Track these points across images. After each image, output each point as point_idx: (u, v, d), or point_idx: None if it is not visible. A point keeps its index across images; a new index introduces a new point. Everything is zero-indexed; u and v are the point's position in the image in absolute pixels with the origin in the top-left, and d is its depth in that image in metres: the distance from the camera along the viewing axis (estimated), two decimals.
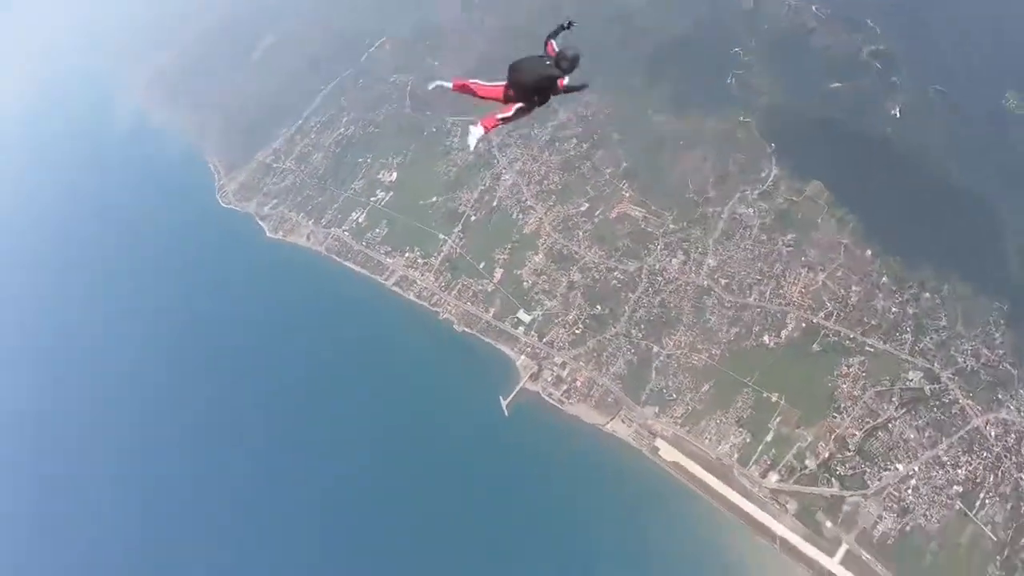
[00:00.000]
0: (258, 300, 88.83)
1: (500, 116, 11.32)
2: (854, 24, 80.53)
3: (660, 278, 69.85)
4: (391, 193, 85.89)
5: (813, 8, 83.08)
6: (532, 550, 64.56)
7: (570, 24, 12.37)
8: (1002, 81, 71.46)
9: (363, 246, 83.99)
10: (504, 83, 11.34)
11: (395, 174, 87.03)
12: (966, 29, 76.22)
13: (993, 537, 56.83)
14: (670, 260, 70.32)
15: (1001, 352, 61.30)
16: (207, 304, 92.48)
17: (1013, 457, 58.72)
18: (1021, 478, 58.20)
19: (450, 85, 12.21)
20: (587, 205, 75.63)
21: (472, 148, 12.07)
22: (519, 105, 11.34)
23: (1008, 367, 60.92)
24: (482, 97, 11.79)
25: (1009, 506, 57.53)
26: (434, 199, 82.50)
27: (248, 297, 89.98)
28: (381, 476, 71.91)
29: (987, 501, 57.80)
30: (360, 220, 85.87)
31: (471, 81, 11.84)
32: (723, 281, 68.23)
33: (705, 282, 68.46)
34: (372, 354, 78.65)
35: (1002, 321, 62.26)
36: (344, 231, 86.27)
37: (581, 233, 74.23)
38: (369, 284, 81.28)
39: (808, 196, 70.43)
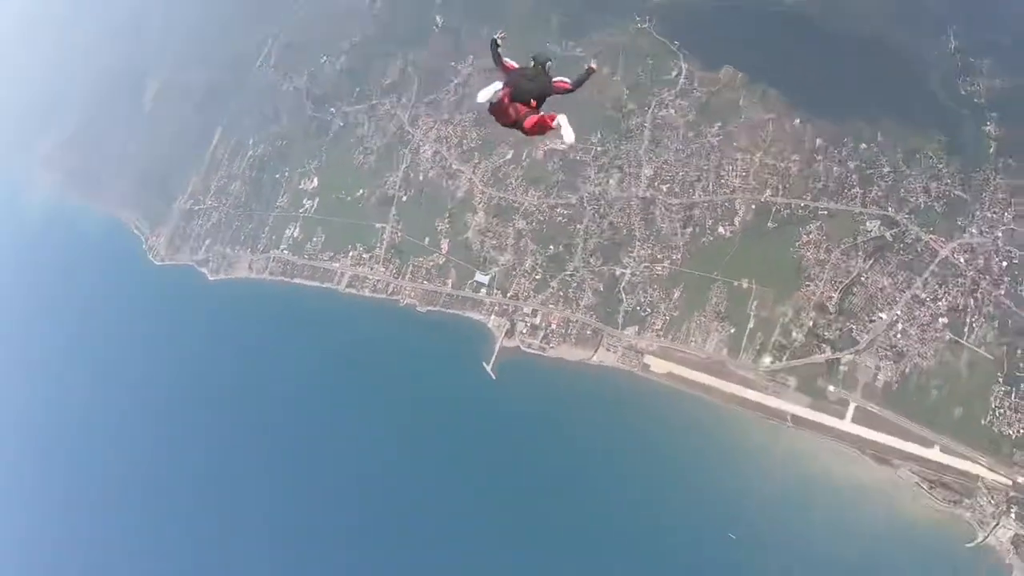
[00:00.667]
0: (222, 343, 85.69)
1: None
2: None
3: (602, 202, 68.19)
4: (317, 199, 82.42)
5: None
6: (566, 490, 63.93)
7: (497, 42, 12.57)
8: None
9: (306, 259, 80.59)
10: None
11: (316, 179, 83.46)
12: None
13: (989, 356, 57.46)
14: (607, 182, 68.60)
15: (948, 181, 61.37)
16: (175, 364, 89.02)
17: (987, 276, 59.13)
18: (1000, 295, 58.62)
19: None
20: (511, 152, 73.31)
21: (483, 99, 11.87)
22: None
23: (959, 193, 61.01)
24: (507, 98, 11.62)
25: (996, 324, 58.02)
26: (361, 191, 79.35)
27: (212, 343, 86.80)
28: (406, 467, 70.53)
29: (974, 325, 58.20)
30: (295, 235, 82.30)
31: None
32: (664, 187, 66.85)
33: (647, 193, 67.00)
34: (351, 358, 76.17)
35: (942, 151, 62.23)
36: (283, 250, 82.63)
37: (514, 181, 72.08)
38: (323, 294, 78.26)
39: (723, 83, 69.21)
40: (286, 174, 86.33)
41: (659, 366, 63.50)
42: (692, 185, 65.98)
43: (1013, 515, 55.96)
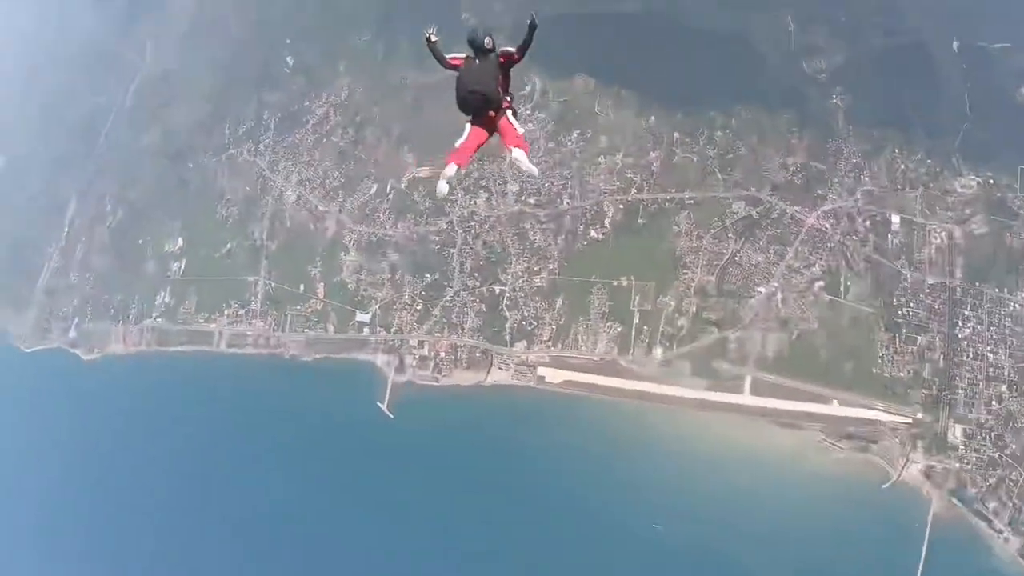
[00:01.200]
0: (104, 424, 78.19)
1: (460, 143, 9.78)
2: None
3: (473, 222, 66.87)
4: (184, 260, 77.29)
5: None
6: (479, 512, 62.03)
7: (431, 38, 10.05)
8: None
9: (181, 324, 75.15)
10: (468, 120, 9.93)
11: (180, 239, 78.33)
12: None
13: (869, 309, 60.32)
14: (475, 202, 67.41)
15: (804, 154, 64.05)
16: (54, 452, 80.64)
17: (853, 236, 61.99)
18: (868, 251, 61.70)
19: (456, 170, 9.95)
20: (375, 186, 71.19)
21: (444, 192, 10.19)
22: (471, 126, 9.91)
23: (816, 164, 63.82)
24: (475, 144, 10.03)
25: (869, 278, 61.01)
26: (228, 246, 74.94)
27: (94, 426, 78.92)
28: (311, 521, 66.37)
29: (849, 283, 60.95)
30: (167, 300, 76.82)
31: (462, 145, 9.97)
32: (532, 200, 66.38)
33: (516, 207, 66.19)
34: (241, 420, 71.03)
35: (794, 127, 64.87)
36: (156, 318, 76.92)
37: (382, 215, 69.85)
38: (204, 358, 72.96)
39: (578, 91, 69.78)
40: (149, 238, 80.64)
41: (554, 376, 62.36)
42: (559, 194, 65.79)
43: (919, 449, 58.23)
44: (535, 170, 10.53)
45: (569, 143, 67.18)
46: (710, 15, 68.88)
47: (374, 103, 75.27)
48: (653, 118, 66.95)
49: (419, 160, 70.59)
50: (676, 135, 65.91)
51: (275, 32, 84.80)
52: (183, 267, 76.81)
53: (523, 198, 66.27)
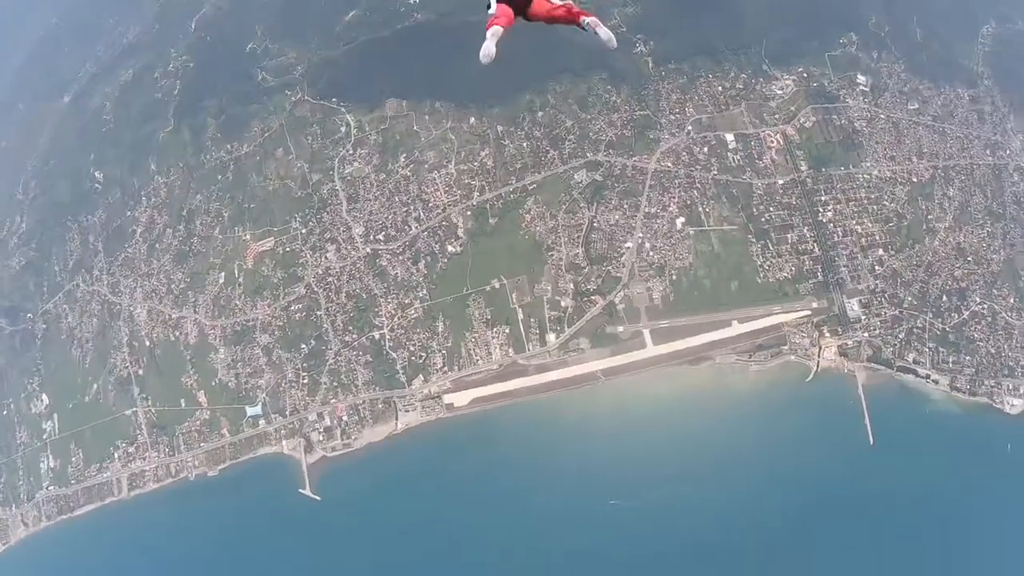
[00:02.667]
0: None
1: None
2: None
3: (329, 278, 63.28)
4: (55, 415, 69.93)
5: None
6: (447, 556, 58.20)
7: None
8: None
9: (75, 484, 67.83)
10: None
11: (44, 396, 70.97)
12: None
13: (733, 227, 60.93)
14: (325, 256, 63.75)
15: (627, 107, 64.37)
16: None
17: (696, 166, 62.49)
18: (714, 175, 62.19)
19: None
20: (222, 274, 66.51)
21: (492, 54, 8.50)
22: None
23: (640, 113, 64.22)
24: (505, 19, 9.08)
25: (724, 199, 61.62)
26: (95, 386, 68.35)
27: None
28: None
29: (707, 210, 61.34)
30: (52, 464, 69.28)
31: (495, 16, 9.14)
32: (380, 236, 63.33)
33: (367, 249, 62.96)
34: (174, 564, 63.98)
35: (610, 86, 65.08)
36: (48, 487, 69.24)
37: (238, 301, 65.22)
38: (112, 511, 66.04)
39: (392, 116, 67.55)
40: (12, 404, 72.67)
41: (460, 399, 59.70)
42: (405, 222, 63.03)
43: (826, 334, 59.24)
44: (613, 38, 8.63)
45: (399, 169, 64.73)
46: (480, 9, 66.87)
47: (196, 191, 70.67)
48: (473, 119, 65.75)
49: (257, 234, 66.09)
50: (500, 128, 64.87)
51: (75, 152, 78.85)
52: (56, 424, 69.51)
53: (371, 238, 62.95)
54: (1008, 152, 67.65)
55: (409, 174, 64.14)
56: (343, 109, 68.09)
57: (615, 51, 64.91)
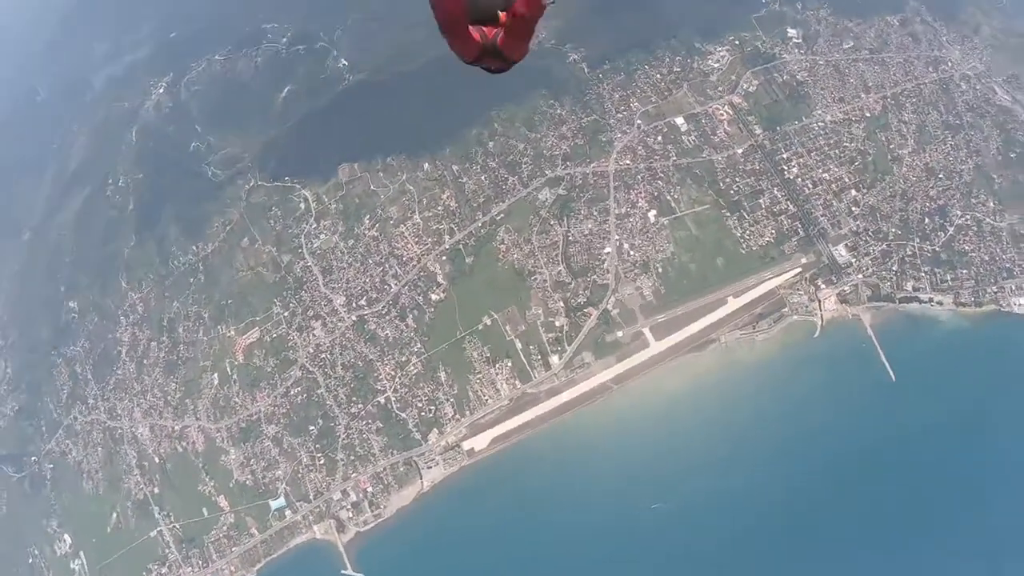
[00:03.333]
0: None
1: None
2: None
3: (323, 355, 62.12)
4: (81, 553, 68.06)
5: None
6: None
7: None
8: None
9: None
10: None
11: (66, 536, 69.11)
12: None
13: (705, 206, 60.61)
14: (312, 334, 62.73)
15: (573, 117, 64.20)
16: None
17: (655, 158, 62.00)
18: (673, 161, 61.79)
19: None
20: (216, 375, 65.30)
21: None
22: None
23: (588, 120, 63.99)
24: None
25: (689, 181, 61.40)
26: (114, 515, 66.70)
27: None
28: None
29: (676, 197, 60.87)
30: None
31: None
32: (363, 302, 62.37)
33: (352, 318, 61.90)
34: None
35: (552, 100, 65.23)
36: None
37: (236, 399, 63.97)
38: None
39: (347, 180, 66.86)
40: (35, 551, 70.65)
41: (480, 442, 58.48)
42: (382, 281, 62.17)
43: (822, 286, 58.70)
44: None
45: (365, 231, 63.99)
46: (413, 55, 67.62)
47: (171, 299, 69.59)
48: (427, 165, 65.19)
49: (241, 328, 65.23)
50: (455, 168, 64.34)
51: (44, 286, 77.78)
52: (84, 562, 67.61)
53: (354, 305, 61.96)
54: (950, 64, 67.83)
55: (377, 234, 63.27)
56: (298, 186, 67.41)
57: (551, 64, 65.16)
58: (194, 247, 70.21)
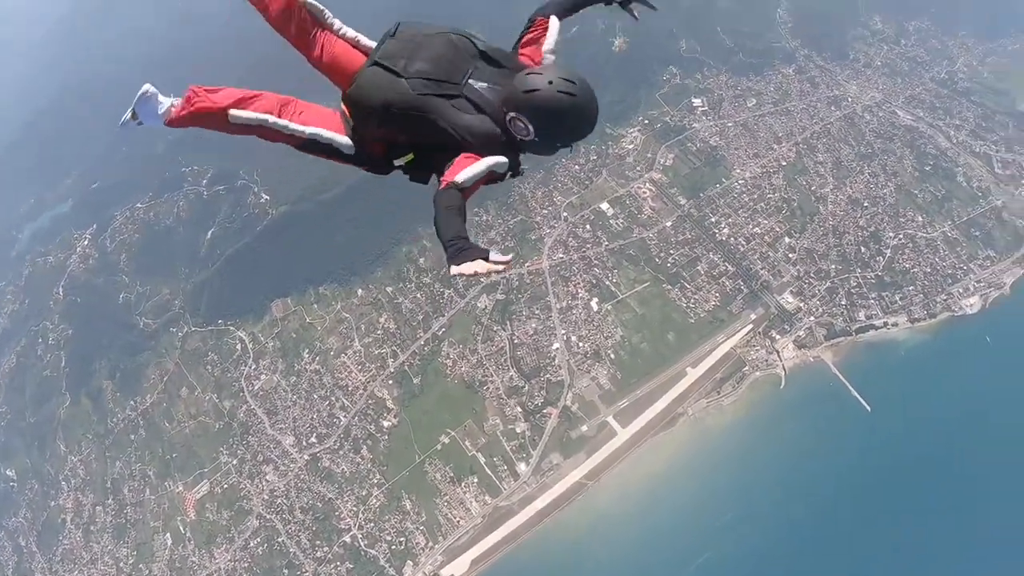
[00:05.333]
0: None
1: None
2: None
3: (279, 501, 57.86)
4: None
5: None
6: None
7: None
8: None
9: None
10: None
11: None
12: None
13: (646, 283, 59.95)
14: (265, 480, 58.78)
15: (500, 221, 63.55)
16: None
17: (587, 247, 61.70)
18: (605, 247, 61.56)
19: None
20: (168, 535, 59.75)
21: None
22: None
23: (514, 221, 63.84)
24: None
25: (625, 263, 61.07)
26: None
27: None
28: None
29: (615, 281, 60.12)
30: None
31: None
32: (313, 439, 59.08)
33: (305, 457, 58.33)
34: None
35: (476, 207, 62.81)
36: None
37: (193, 558, 58.13)
38: None
39: (281, 318, 64.34)
40: None
41: (459, 567, 54.85)
42: (331, 415, 59.18)
43: (777, 336, 57.84)
44: None
45: (306, 366, 61.25)
46: (331, 185, 66.71)
47: (114, 459, 64.66)
48: (360, 291, 63.26)
49: (189, 482, 60.95)
50: (389, 289, 62.67)
51: None
52: None
53: (304, 444, 58.49)
54: (850, 99, 70.26)
55: (318, 367, 60.65)
56: (232, 327, 64.74)
57: None
58: (132, 402, 66.23)
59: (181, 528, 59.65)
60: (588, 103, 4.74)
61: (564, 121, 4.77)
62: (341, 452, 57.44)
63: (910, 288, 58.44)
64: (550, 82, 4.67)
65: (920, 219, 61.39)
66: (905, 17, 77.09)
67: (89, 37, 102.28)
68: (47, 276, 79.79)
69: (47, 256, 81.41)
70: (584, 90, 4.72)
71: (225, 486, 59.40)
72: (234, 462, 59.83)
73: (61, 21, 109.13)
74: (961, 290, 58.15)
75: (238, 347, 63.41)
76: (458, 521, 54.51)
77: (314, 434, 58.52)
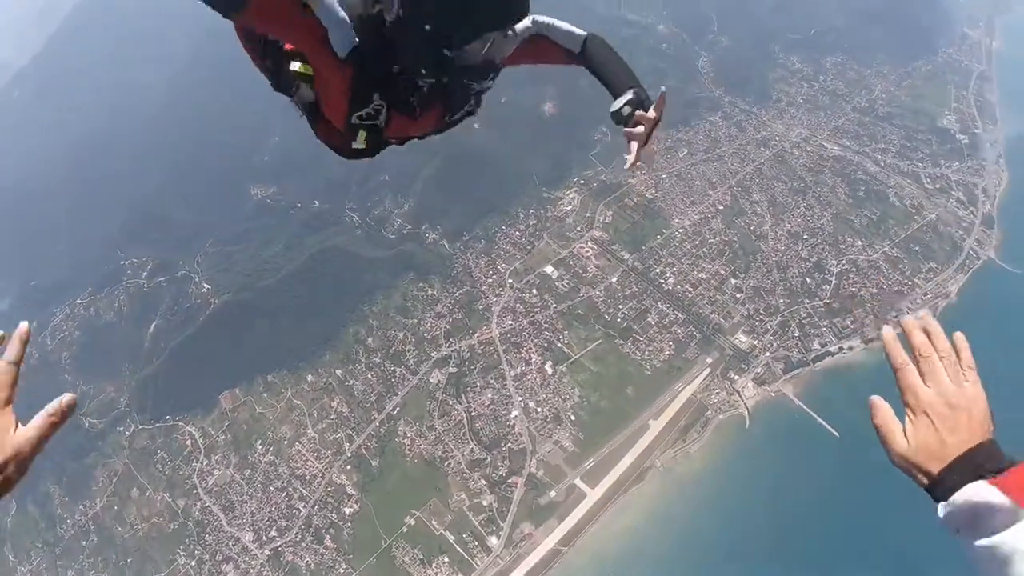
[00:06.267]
0: None
1: None
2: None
3: None
4: None
5: None
6: None
7: None
8: None
9: None
10: None
11: None
12: None
13: (598, 341, 59.52)
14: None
15: (446, 294, 63.01)
16: None
17: (535, 311, 61.42)
18: (553, 310, 61.47)
19: None
20: None
21: None
22: None
23: (460, 292, 63.15)
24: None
25: (575, 324, 60.65)
26: None
27: None
28: None
29: (567, 342, 59.63)
30: None
31: None
32: (273, 532, 56.18)
33: (266, 552, 55.24)
34: None
35: (421, 283, 64.17)
36: None
37: None
38: None
39: (231, 408, 61.96)
40: None
41: None
42: (290, 507, 56.63)
43: (735, 376, 57.72)
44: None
45: (260, 458, 59.07)
46: (272, 271, 66.20)
47: (65, 568, 59.70)
48: (310, 376, 61.74)
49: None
50: (339, 372, 61.25)
51: None
52: None
53: (264, 538, 55.92)
54: (778, 138, 73.54)
55: (273, 458, 58.52)
56: (181, 423, 62.27)
57: (412, 249, 64.24)
58: (81, 506, 62.46)
59: None
60: None
61: None
62: (304, 544, 54.89)
63: (860, 311, 59.40)
64: None
65: (860, 243, 63.09)
66: (820, 54, 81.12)
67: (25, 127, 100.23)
68: None
69: None
70: None
71: None
72: (192, 563, 56.50)
73: None
74: (910, 304, 59.21)
75: (188, 443, 60.84)
76: None
77: (274, 527, 55.90)
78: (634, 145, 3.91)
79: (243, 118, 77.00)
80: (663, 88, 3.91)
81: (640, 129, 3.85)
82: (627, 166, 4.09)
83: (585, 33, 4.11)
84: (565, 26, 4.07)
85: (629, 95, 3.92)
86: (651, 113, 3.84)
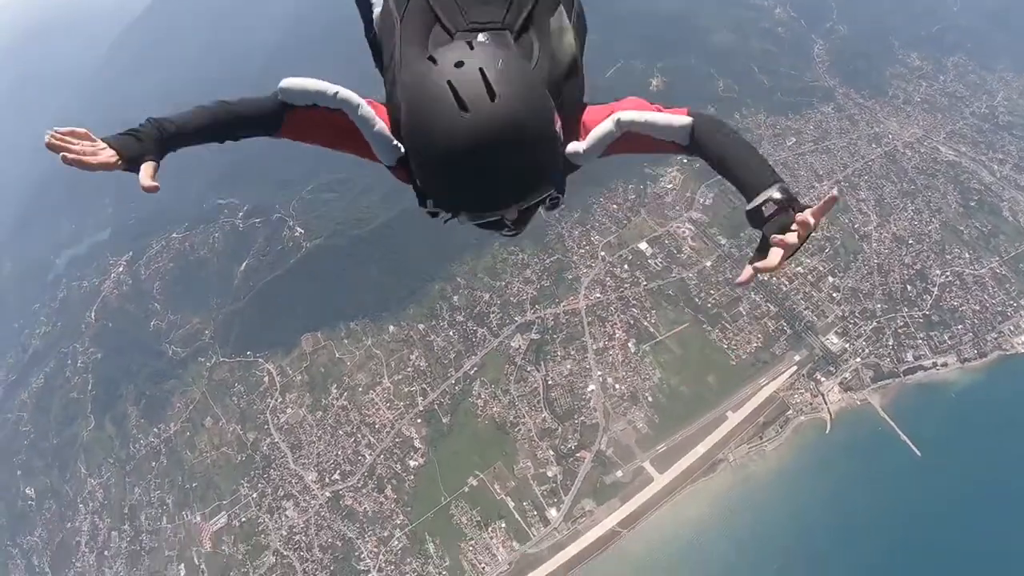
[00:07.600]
0: None
1: None
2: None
3: (298, 537, 54.63)
4: None
5: None
6: None
7: None
8: None
9: None
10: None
11: None
12: None
13: (685, 324, 56.89)
14: (285, 516, 55.69)
15: (536, 260, 61.31)
16: None
17: (624, 287, 58.81)
18: (644, 287, 58.63)
19: None
20: (182, 565, 56.42)
21: None
22: None
23: (550, 260, 61.41)
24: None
25: (664, 304, 58.11)
26: None
27: None
28: None
29: (653, 321, 57.19)
30: None
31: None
32: (336, 476, 56.06)
33: (326, 494, 55.35)
34: None
35: (512, 246, 61.83)
36: None
37: None
38: None
39: (310, 352, 62.12)
40: None
41: None
42: (356, 453, 56.42)
43: (821, 379, 54.30)
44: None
45: (334, 401, 58.96)
46: (366, 221, 65.52)
47: (133, 485, 62.51)
48: (392, 328, 61.05)
49: (207, 513, 58.34)
50: (421, 327, 60.36)
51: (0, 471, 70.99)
52: None
53: (327, 480, 55.95)
54: (891, 136, 67.88)
55: (346, 403, 58.35)
56: (261, 359, 63.15)
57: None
58: (155, 429, 64.56)
59: (196, 560, 56.89)
60: (480, 136, 2.37)
61: (420, 148, 2.56)
62: (364, 491, 54.60)
63: (959, 327, 54.71)
64: (432, 60, 2.58)
65: (967, 255, 58.18)
66: (942, 53, 75.24)
67: (142, 66, 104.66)
68: (81, 300, 79.68)
69: (82, 281, 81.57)
70: (491, 110, 2.39)
71: (243, 519, 56.88)
72: (254, 495, 57.29)
73: (112, 48, 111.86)
74: (1012, 327, 54.38)
75: (265, 379, 61.64)
76: (483, 567, 50.88)
77: (337, 471, 55.87)
78: (777, 254, 2.90)
79: (349, 80, 77.63)
80: (835, 191, 3.12)
81: (792, 238, 2.88)
82: (742, 279, 3.00)
83: (689, 120, 3.28)
84: (661, 118, 3.28)
85: (774, 192, 2.96)
86: (809, 218, 2.89)
